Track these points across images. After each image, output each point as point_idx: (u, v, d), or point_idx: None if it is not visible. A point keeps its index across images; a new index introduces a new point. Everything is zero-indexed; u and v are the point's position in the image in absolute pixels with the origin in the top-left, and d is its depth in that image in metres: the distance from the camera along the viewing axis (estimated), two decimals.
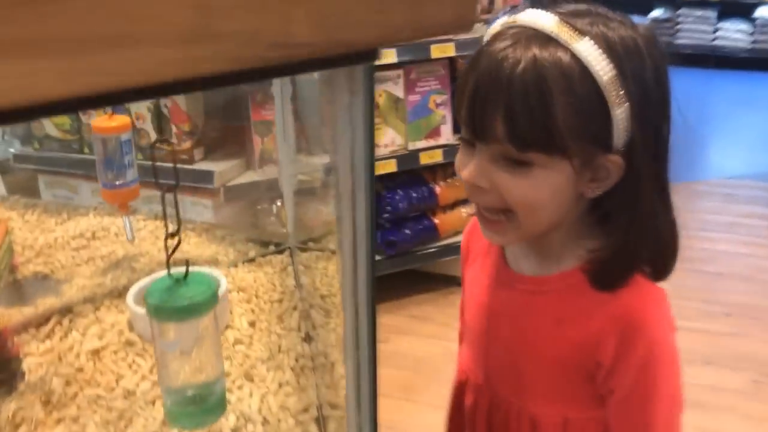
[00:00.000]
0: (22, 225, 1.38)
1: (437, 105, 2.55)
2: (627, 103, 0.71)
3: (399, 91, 2.50)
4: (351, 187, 0.52)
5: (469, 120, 0.73)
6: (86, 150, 2.45)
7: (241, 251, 1.31)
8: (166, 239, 0.66)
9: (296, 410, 0.91)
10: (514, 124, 0.69)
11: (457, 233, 2.51)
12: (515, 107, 0.69)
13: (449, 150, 2.48)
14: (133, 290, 1.06)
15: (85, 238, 1.33)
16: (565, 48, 0.69)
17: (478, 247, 0.96)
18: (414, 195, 2.55)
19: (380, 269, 2.74)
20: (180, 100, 2.40)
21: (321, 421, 0.91)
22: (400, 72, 2.45)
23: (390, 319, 2.64)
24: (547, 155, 0.71)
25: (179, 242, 0.66)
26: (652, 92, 0.74)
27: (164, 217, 0.66)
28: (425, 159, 2.51)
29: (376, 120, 2.52)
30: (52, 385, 0.94)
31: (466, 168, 0.76)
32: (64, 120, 2.47)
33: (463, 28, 0.43)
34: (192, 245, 1.32)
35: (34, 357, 1.01)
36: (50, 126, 2.52)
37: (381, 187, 2.72)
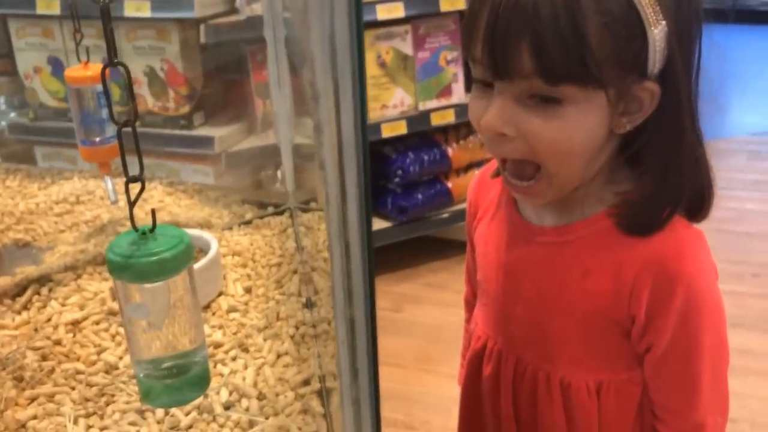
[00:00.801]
0: (3, 191, 1.29)
1: (448, 62, 2.44)
2: (664, 21, 0.63)
3: (407, 48, 2.39)
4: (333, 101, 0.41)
5: (489, 54, 0.63)
6: None
7: (236, 213, 1.21)
8: (126, 184, 0.55)
9: (296, 383, 0.81)
10: (544, 53, 0.60)
11: None
12: (544, 33, 0.60)
13: (462, 110, 2.39)
14: None
15: (69, 203, 1.23)
16: None
17: (487, 202, 0.87)
18: (425, 158, 2.47)
19: (392, 236, 2.65)
20: (177, 62, 2.31)
21: (324, 394, 0.82)
22: (408, 28, 2.35)
23: (404, 288, 2.56)
24: (582, 88, 0.62)
25: (143, 188, 0.56)
26: (686, 10, 0.66)
27: (122, 157, 0.55)
28: (437, 119, 2.43)
29: (384, 80, 2.42)
30: (25, 360, 0.85)
31: (487, 113, 0.65)
32: (59, 88, 2.39)
33: None
34: (183, 207, 1.22)
35: (8, 330, 0.91)
36: (45, 94, 2.45)
37: (391, 150, 2.62)
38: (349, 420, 0.56)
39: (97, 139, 1.06)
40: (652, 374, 0.78)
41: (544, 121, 0.63)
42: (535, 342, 0.82)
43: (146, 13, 2.21)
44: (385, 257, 2.66)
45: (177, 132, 2.32)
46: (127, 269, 0.55)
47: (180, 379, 0.61)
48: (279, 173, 2.32)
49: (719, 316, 0.76)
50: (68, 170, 1.33)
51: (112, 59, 0.57)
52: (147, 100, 2.38)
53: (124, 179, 0.55)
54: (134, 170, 0.56)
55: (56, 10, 2.26)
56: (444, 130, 2.46)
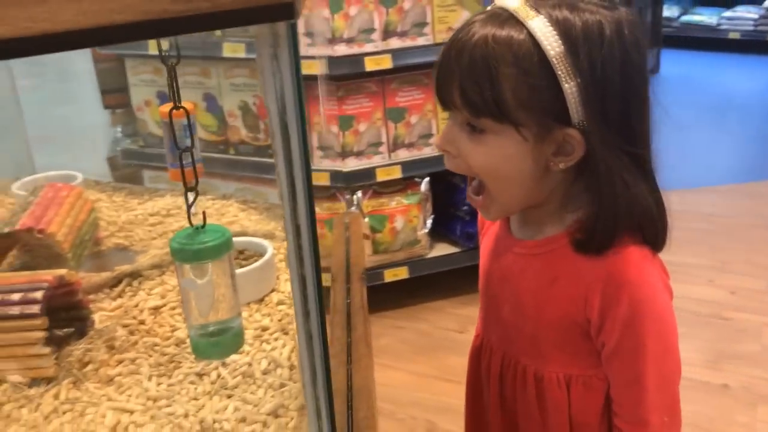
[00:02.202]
0: (110, 204, 1.56)
1: None
2: (577, 79, 0.76)
3: None
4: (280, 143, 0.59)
5: (436, 89, 0.82)
6: None
7: None
8: (186, 192, 0.77)
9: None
10: (465, 93, 0.78)
11: None
12: (465, 78, 0.78)
13: None
14: None
15: (161, 216, 1.49)
16: (522, 26, 0.76)
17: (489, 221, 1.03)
18: None
19: (460, 262, 2.80)
20: None
21: (348, 368, 1.01)
22: None
23: (469, 311, 2.70)
24: (497, 122, 0.79)
25: (197, 195, 0.77)
26: (612, 73, 0.78)
27: (182, 174, 0.77)
28: None
29: (450, 1, 2.49)
30: (116, 333, 1.09)
31: (439, 134, 0.85)
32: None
33: None
34: (252, 221, 1.45)
35: (106, 311, 1.15)
36: (153, 125, 2.74)
37: (460, 180, 2.78)
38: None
39: (179, 163, 1.30)
40: (607, 370, 0.89)
41: (473, 145, 0.81)
42: (516, 339, 0.95)
43: (241, 54, 2.47)
44: (453, 281, 2.81)
45: (265, 160, 2.58)
46: (182, 253, 0.77)
47: (220, 338, 0.82)
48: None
49: (665, 325, 0.86)
50: (163, 189, 1.59)
51: (176, 103, 0.79)
52: (241, 131, 2.65)
53: (198, 196, 0.77)
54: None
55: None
56: None
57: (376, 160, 2.62)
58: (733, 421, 2.09)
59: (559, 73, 0.76)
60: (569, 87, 0.76)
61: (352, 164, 2.57)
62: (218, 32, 2.50)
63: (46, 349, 0.98)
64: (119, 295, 1.21)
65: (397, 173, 2.63)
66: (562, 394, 0.93)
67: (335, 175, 2.54)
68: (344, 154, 2.56)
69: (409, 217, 2.71)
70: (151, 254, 1.34)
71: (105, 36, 0.44)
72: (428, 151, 2.64)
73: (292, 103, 0.55)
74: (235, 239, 1.22)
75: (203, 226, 0.79)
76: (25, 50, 0.44)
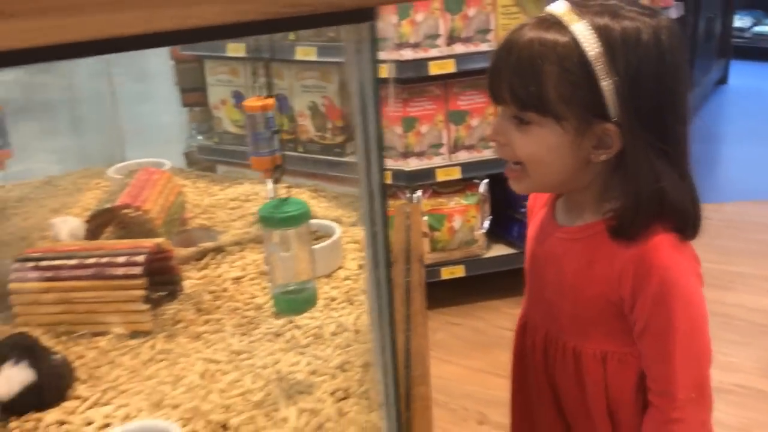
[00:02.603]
0: (194, 190, 1.72)
1: None
2: (614, 78, 0.85)
3: None
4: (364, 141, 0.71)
5: (489, 87, 0.92)
6: None
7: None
8: (274, 169, 0.90)
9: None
10: (513, 89, 0.88)
11: None
12: (513, 76, 0.88)
13: None
14: None
15: (240, 201, 1.64)
16: (565, 30, 0.86)
17: (538, 206, 1.12)
18: None
19: (517, 263, 2.86)
20: (336, 99, 2.69)
21: (407, 334, 1.12)
22: None
23: None
24: (541, 116, 0.89)
25: (282, 172, 0.90)
26: (648, 75, 0.87)
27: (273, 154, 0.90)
28: None
29: (514, 9, 2.59)
30: (203, 298, 1.23)
31: (491, 126, 0.95)
32: (240, 117, 2.84)
33: None
34: (322, 207, 1.58)
35: (194, 279, 1.30)
36: (228, 123, 2.91)
37: None
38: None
39: (262, 151, 1.45)
40: (639, 347, 0.96)
41: (520, 135, 0.91)
42: (557, 317, 1.03)
43: (312, 57, 2.62)
44: (509, 282, 2.87)
45: (331, 158, 2.72)
46: (269, 220, 0.90)
47: (297, 297, 0.95)
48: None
49: (693, 307, 0.93)
50: (241, 178, 1.74)
51: (271, 94, 0.92)
52: (309, 130, 2.80)
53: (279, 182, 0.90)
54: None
55: (242, 53, 2.68)
56: None
57: (436, 161, 2.73)
58: None
59: (597, 71, 0.85)
60: (606, 84, 0.86)
61: (413, 164, 2.68)
62: (291, 35, 2.65)
63: (145, 307, 1.13)
64: (204, 267, 1.36)
65: (456, 174, 2.73)
66: (599, 370, 1.00)
67: (397, 174, 2.65)
68: (406, 154, 2.68)
69: (467, 217, 2.81)
70: (232, 233, 1.49)
71: (235, 32, 0.57)
72: (488, 154, 2.73)
73: (371, 93, 0.67)
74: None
75: (286, 200, 0.92)
76: (180, 40, 0.56)
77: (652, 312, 0.92)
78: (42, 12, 0.48)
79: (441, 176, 2.73)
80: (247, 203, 1.63)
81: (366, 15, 0.61)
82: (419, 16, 2.56)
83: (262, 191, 1.66)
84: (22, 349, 0.99)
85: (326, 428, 0.90)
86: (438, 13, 2.59)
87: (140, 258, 1.12)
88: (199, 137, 3.01)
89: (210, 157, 2.95)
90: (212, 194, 1.70)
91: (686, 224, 0.94)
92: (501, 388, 2.39)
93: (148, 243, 1.16)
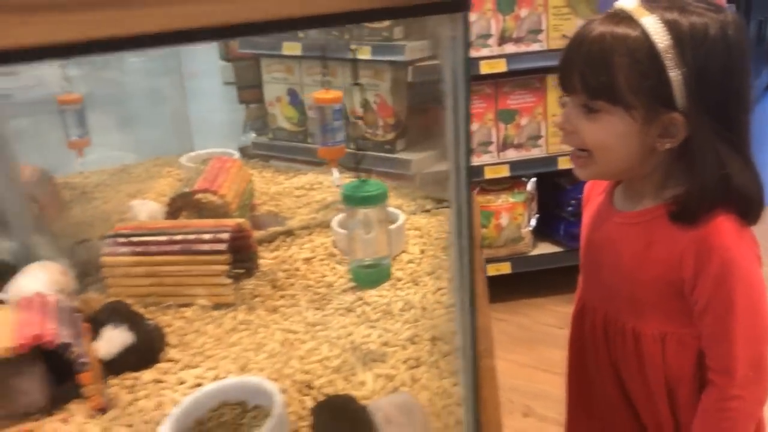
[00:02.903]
0: (260, 179, 1.81)
1: None
2: (683, 69, 0.91)
3: None
4: (454, 128, 0.77)
5: (559, 77, 0.99)
6: (309, 140, 2.89)
7: (420, 204, 1.62)
8: (357, 150, 0.98)
9: (448, 304, 1.20)
10: (585, 79, 0.95)
11: None
12: (585, 66, 0.95)
13: None
14: (337, 218, 1.42)
15: (305, 189, 1.72)
16: (635, 24, 0.93)
17: (595, 194, 1.18)
18: None
19: (562, 261, 2.92)
20: (387, 97, 2.76)
21: (472, 313, 1.19)
22: None
23: (569, 309, 2.81)
24: (611, 104, 0.95)
25: (363, 156, 0.98)
26: (715, 67, 0.93)
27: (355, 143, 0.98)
28: None
29: (565, 10, 2.65)
30: (277, 275, 1.32)
31: (560, 115, 1.02)
32: (294, 114, 2.93)
33: None
34: None
35: (267, 260, 1.39)
36: (282, 119, 3.00)
37: (566, 181, 2.92)
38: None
39: (330, 142, 1.53)
40: (699, 326, 1.01)
41: (589, 123, 0.97)
42: (615, 299, 1.09)
43: (367, 56, 2.69)
44: (554, 280, 2.93)
45: (382, 154, 2.79)
46: (351, 199, 0.98)
47: (374, 271, 1.02)
48: None
49: (753, 287, 0.98)
50: (306, 168, 1.84)
51: (356, 81, 1.00)
52: (361, 127, 2.88)
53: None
54: None
55: (298, 52, 2.77)
56: None
57: (485, 159, 2.80)
58: None
59: (666, 62, 0.92)
60: (675, 75, 0.92)
61: None
62: (346, 35, 2.73)
63: (228, 281, 1.21)
64: (275, 249, 1.44)
65: (504, 172, 2.79)
66: (658, 350, 1.05)
67: None
68: None
69: (514, 214, 2.87)
70: (299, 219, 1.57)
71: (327, 21, 0.64)
72: (536, 152, 2.79)
73: (462, 81, 0.74)
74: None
75: (366, 181, 0.99)
76: (264, 30, 0.63)
77: (714, 292, 0.97)
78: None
79: (489, 174, 2.79)
80: (311, 192, 1.72)
81: (460, 4, 0.68)
82: (472, 17, 2.62)
83: (325, 180, 1.75)
84: (121, 314, 1.09)
85: (401, 392, 0.97)
86: (490, 14, 2.65)
87: (224, 235, 1.21)
88: (252, 134, 3.11)
89: (264, 152, 3.04)
90: (278, 183, 1.79)
91: (750, 209, 0.99)
92: (546, 383, 2.46)
93: (231, 222, 1.25)
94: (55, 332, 0.94)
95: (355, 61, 1.13)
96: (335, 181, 1.55)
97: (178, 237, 1.22)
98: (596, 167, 1.02)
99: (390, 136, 2.79)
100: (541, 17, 2.67)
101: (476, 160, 2.78)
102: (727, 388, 1.00)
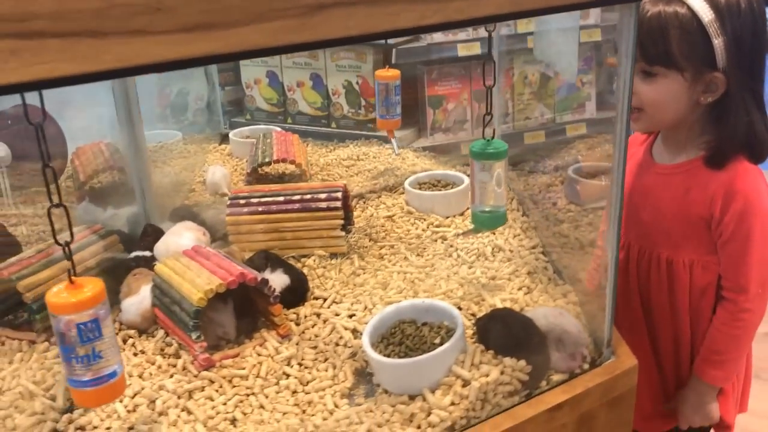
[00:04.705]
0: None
1: (583, 84, 2.99)
2: (723, 37, 1.17)
3: (550, 71, 2.96)
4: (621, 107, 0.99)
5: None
6: (290, 120, 3.04)
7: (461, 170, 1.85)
8: (484, 117, 1.19)
9: (529, 246, 1.43)
10: (643, 48, 1.19)
11: None
12: (644, 37, 1.18)
13: (591, 122, 2.92)
14: (410, 179, 1.63)
15: (352, 160, 1.92)
16: (683, 3, 1.17)
17: (633, 147, 1.42)
18: None
19: None
20: (370, 78, 2.94)
21: (548, 256, 1.43)
22: None
23: None
24: (666, 68, 1.20)
25: (491, 117, 1.19)
26: (747, 34, 1.18)
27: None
28: (571, 131, 2.95)
29: (529, 97, 2.96)
30: (370, 230, 1.51)
31: None
32: (273, 95, 3.06)
33: None
34: (428, 164, 1.87)
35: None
36: (261, 101, 3.12)
37: None
38: None
39: (389, 115, 1.73)
40: (721, 254, 1.26)
41: (646, 85, 1.22)
42: (653, 235, 1.33)
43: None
44: None
45: (365, 133, 2.98)
46: (479, 155, 1.19)
47: (492, 215, 1.24)
48: None
49: (767, 222, 1.22)
50: (347, 141, 2.02)
51: (490, 67, 1.21)
52: (343, 107, 3.06)
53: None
54: None
55: None
56: None
57: (461, 136, 3.04)
58: None
59: (710, 32, 1.17)
60: (718, 42, 1.17)
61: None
62: None
63: (342, 233, 1.40)
64: (352, 211, 1.64)
65: None
66: (686, 275, 1.31)
67: None
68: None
69: None
70: (359, 185, 1.77)
71: (493, 18, 0.83)
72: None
73: (629, 61, 0.96)
74: (433, 173, 1.66)
75: (490, 140, 1.21)
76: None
77: (737, 225, 1.23)
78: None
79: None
80: (359, 162, 1.91)
81: None
82: None
83: (370, 152, 1.94)
84: (274, 260, 1.26)
85: (526, 312, 1.20)
86: None
87: (339, 194, 1.40)
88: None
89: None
90: (322, 155, 1.97)
91: (762, 152, 1.25)
92: None
93: (340, 183, 1.44)
94: (254, 272, 1.11)
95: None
96: (395, 149, 1.76)
97: (296, 197, 1.40)
98: (649, 121, 1.27)
99: (372, 115, 2.98)
100: None
101: (453, 138, 3.02)
102: (741, 302, 1.26)
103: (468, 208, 1.62)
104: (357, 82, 3.02)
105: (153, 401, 1.01)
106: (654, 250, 1.34)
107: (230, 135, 1.96)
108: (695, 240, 1.29)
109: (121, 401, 1.00)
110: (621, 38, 0.95)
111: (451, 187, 1.64)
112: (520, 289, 1.27)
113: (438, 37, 2.87)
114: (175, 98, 2.48)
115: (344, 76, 3.05)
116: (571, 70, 2.81)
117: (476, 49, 2.94)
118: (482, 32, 2.94)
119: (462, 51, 2.92)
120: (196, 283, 1.08)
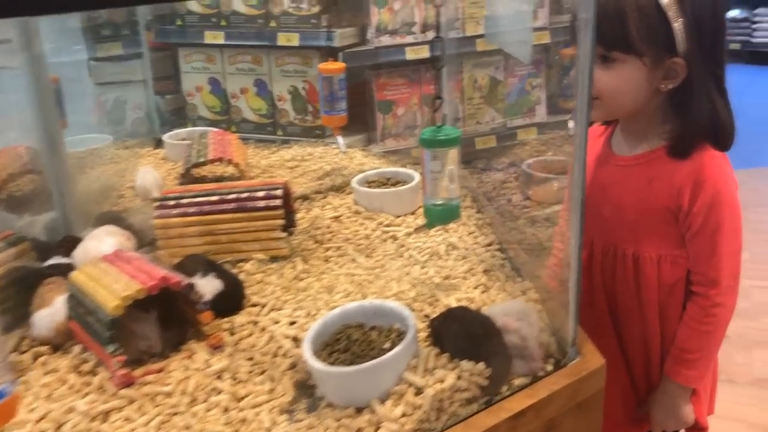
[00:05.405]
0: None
1: (533, 87, 2.94)
2: (682, 19, 1.09)
3: (500, 74, 2.90)
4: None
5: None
6: (234, 128, 2.91)
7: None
8: (434, 100, 1.10)
9: (484, 243, 1.34)
10: (602, 32, 1.08)
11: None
12: (601, 21, 1.06)
13: (542, 127, 2.87)
14: (357, 178, 1.52)
15: (296, 161, 1.81)
16: None
17: (590, 139, 1.35)
18: None
19: None
20: (316, 83, 2.84)
21: (504, 253, 1.33)
22: (501, 57, 2.87)
23: None
24: (625, 53, 1.12)
25: (441, 102, 1.10)
26: (707, 16, 1.12)
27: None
28: (521, 135, 2.89)
29: (478, 101, 2.89)
30: (315, 231, 1.40)
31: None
32: (216, 103, 2.94)
33: None
34: (377, 163, 1.77)
35: (299, 220, 1.46)
36: (204, 109, 2.99)
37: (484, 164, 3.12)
38: None
39: (333, 111, 1.63)
40: (689, 247, 1.19)
41: (603, 71, 1.14)
42: (616, 231, 1.25)
43: (295, 43, 2.76)
44: None
45: (312, 140, 2.88)
46: (429, 143, 1.10)
47: (444, 209, 1.15)
48: None
49: (736, 209, 1.17)
50: (289, 143, 1.91)
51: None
52: (289, 114, 2.94)
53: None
54: None
55: (221, 41, 2.77)
56: None
57: (411, 142, 2.96)
58: (733, 362, 2.50)
59: (670, 14, 1.09)
60: (678, 25, 1.10)
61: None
62: (273, 23, 2.79)
63: (284, 234, 1.29)
64: (297, 212, 1.52)
65: None
66: (654, 271, 1.23)
67: None
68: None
69: None
70: (304, 186, 1.66)
71: None
72: None
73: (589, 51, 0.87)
74: (382, 170, 1.56)
75: (441, 127, 1.11)
76: None
77: (706, 216, 1.16)
78: None
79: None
80: (303, 163, 1.80)
81: None
82: (396, 5, 2.77)
83: (315, 152, 1.84)
84: (205, 264, 1.14)
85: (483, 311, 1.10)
86: (414, 2, 2.81)
87: (278, 192, 1.28)
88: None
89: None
90: (264, 156, 1.86)
91: (727, 139, 1.18)
92: None
93: (280, 180, 1.33)
94: (179, 276, 0.99)
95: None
96: (342, 147, 1.65)
97: (231, 196, 1.28)
98: (605, 109, 1.19)
99: (319, 121, 2.88)
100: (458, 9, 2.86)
101: (404, 144, 2.93)
102: (712, 296, 1.19)
103: (420, 207, 1.53)
104: (303, 88, 2.91)
105: (60, 425, 0.88)
106: (618, 246, 1.27)
107: (164, 138, 1.83)
108: (661, 233, 1.22)
109: (21, 429, 0.86)
110: (579, 23, 0.87)
111: (402, 185, 1.54)
112: (476, 287, 1.17)
113: (386, 40, 2.79)
114: (112, 107, 2.35)
115: (290, 81, 2.94)
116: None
117: (425, 52, 2.87)
118: (429, 36, 2.88)
119: (410, 54, 2.84)
120: (113, 289, 0.96)
